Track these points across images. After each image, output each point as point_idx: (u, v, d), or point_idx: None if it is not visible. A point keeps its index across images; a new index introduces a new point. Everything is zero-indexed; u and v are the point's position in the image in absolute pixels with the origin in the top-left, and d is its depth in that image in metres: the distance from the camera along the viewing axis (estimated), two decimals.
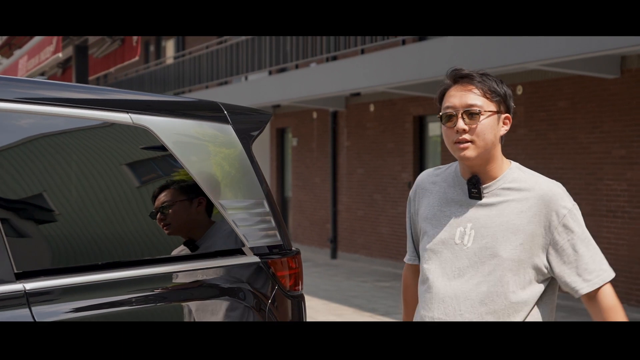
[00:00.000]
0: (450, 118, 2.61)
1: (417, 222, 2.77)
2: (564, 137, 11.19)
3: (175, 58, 21.17)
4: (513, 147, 12.00)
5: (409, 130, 14.54)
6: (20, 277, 2.27)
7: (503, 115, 2.68)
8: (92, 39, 7.53)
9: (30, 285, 2.27)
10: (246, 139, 2.99)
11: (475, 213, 2.63)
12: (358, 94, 14.88)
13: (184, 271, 2.66)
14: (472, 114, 2.59)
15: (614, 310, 2.64)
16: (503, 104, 2.68)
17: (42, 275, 2.32)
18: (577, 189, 11.00)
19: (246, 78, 17.11)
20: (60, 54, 7.18)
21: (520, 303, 2.59)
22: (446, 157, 13.57)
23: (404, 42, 12.28)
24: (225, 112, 2.98)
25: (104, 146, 2.60)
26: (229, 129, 2.92)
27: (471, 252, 2.60)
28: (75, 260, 2.45)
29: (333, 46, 13.49)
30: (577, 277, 2.64)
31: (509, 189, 2.63)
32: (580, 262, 2.64)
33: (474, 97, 2.61)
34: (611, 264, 10.07)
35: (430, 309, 2.61)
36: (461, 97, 2.62)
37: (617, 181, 10.41)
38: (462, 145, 2.58)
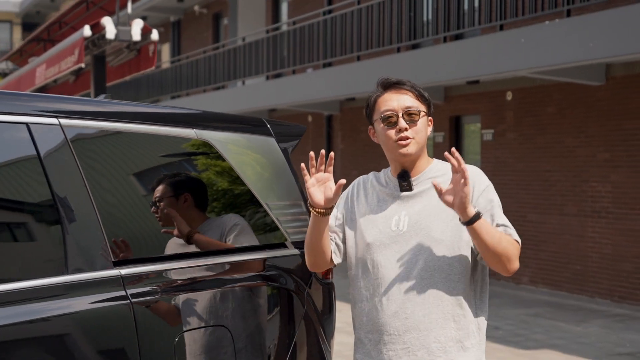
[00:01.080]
0: (389, 119, 2.82)
1: (350, 218, 2.91)
2: (551, 141, 11.71)
3: (171, 62, 21.61)
4: (502, 151, 12.53)
5: None
6: (117, 264, 2.77)
7: (429, 117, 2.90)
8: (109, 49, 7.99)
9: (124, 271, 2.78)
10: (286, 149, 3.50)
11: (407, 203, 2.84)
12: (353, 99, 15.36)
13: (243, 260, 3.18)
14: (411, 114, 2.81)
15: (508, 241, 2.74)
16: (429, 108, 2.90)
17: (132, 264, 2.83)
18: (563, 191, 11.53)
19: (243, 83, 17.55)
20: (82, 64, 7.64)
21: (457, 274, 2.76)
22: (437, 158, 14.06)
23: (399, 50, 12.76)
24: (269, 126, 3.49)
25: (176, 157, 3.12)
26: (272, 141, 3.43)
27: (407, 236, 2.79)
28: (156, 251, 2.97)
29: (330, 52, 13.98)
30: (501, 225, 2.78)
31: (434, 177, 2.84)
32: (496, 221, 2.79)
33: (409, 100, 2.83)
34: (596, 262, 10.85)
35: (379, 292, 2.78)
36: (398, 100, 2.83)
37: (602, 183, 10.92)
38: (404, 142, 2.80)
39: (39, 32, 12.22)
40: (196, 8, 21.97)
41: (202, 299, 3.01)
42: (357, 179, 3.01)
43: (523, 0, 10.31)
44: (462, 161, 2.62)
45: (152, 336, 2.79)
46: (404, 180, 2.85)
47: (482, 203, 2.78)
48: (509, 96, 12.35)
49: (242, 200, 3.28)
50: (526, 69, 10.25)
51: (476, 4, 11.08)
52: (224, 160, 3.21)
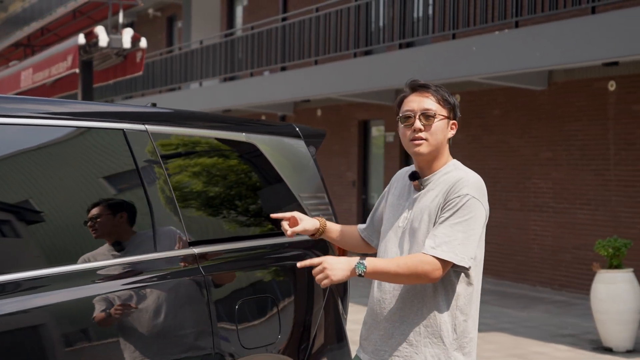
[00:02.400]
0: (408, 119, 2.98)
1: (384, 207, 3.20)
2: (497, 141, 12.60)
3: None
4: (451, 150, 13.34)
5: (354, 133, 15.80)
6: (192, 244, 3.43)
7: (451, 121, 3.04)
8: (98, 55, 8.50)
9: (197, 250, 3.44)
10: (312, 151, 4.20)
11: (414, 201, 3.02)
12: (308, 100, 16.05)
13: (281, 242, 3.87)
14: (427, 116, 2.96)
15: (421, 259, 2.85)
16: (452, 112, 3.04)
17: (204, 244, 3.49)
18: (508, 187, 12.43)
19: (200, 84, 18.09)
20: (77, 70, 8.15)
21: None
22: (388, 158, 14.88)
23: (355, 55, 13.49)
24: (298, 130, 4.18)
25: (232, 156, 3.81)
26: (302, 143, 4.13)
27: (404, 232, 3.01)
28: (222, 233, 3.65)
29: (288, 56, 14.66)
30: (428, 239, 2.91)
31: (438, 181, 2.99)
32: (434, 232, 2.89)
33: (429, 103, 2.98)
34: (538, 253, 11.92)
35: (375, 283, 3.05)
36: (419, 102, 2.99)
37: (544, 180, 11.85)
38: (417, 142, 2.96)
39: (20, 38, 12.58)
40: (150, 11, 22.38)
41: (253, 273, 3.70)
42: (399, 171, 3.26)
43: (474, 11, 11.15)
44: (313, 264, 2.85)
45: (219, 302, 3.45)
46: (413, 179, 3.06)
47: (445, 212, 2.91)
48: (458, 99, 13.21)
49: (280, 193, 3.97)
50: (477, 75, 11.09)
51: (430, 13, 11.89)
52: (265, 158, 3.89)
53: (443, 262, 2.85)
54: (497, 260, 12.59)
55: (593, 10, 9.63)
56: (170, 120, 3.57)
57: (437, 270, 2.85)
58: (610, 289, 8.27)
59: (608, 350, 8.26)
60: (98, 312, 2.98)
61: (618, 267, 8.36)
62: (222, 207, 3.70)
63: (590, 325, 9.37)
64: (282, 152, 4.01)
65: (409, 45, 13.17)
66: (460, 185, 2.92)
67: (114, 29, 8.44)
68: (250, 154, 3.85)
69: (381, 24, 12.90)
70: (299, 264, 2.86)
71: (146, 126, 3.41)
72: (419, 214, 2.98)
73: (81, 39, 8.06)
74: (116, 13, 8.58)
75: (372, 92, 13.69)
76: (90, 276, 3.01)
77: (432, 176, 3.01)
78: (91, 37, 8.16)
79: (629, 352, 8.19)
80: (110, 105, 3.57)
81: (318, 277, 2.80)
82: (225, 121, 3.95)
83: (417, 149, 2.98)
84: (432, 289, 2.94)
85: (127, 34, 8.28)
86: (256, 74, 16.13)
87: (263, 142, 3.88)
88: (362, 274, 2.82)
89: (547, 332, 9.21)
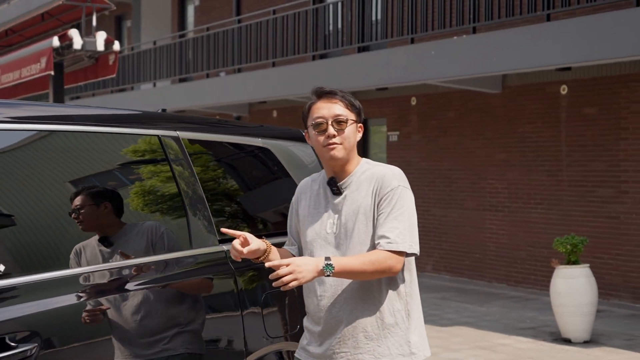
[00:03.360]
0: (320, 125, 3.07)
1: (297, 221, 3.23)
2: (453, 143, 12.99)
3: None
4: (407, 151, 13.75)
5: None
6: (221, 242, 3.65)
7: (358, 125, 3.15)
8: (70, 57, 8.57)
9: (226, 247, 3.65)
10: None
11: (338, 206, 3.09)
12: (264, 102, 16.24)
13: None
14: (339, 121, 3.06)
15: (379, 257, 2.96)
16: (359, 116, 3.15)
17: (231, 241, 3.71)
18: (464, 187, 12.84)
19: (154, 85, 18.14)
20: (52, 72, 8.22)
21: None
22: None
23: (314, 58, 13.75)
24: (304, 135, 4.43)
25: (250, 159, 4.05)
26: (308, 146, 4.38)
27: (338, 238, 3.07)
28: (246, 231, 3.87)
29: (245, 58, 14.84)
30: (376, 238, 3.03)
31: (358, 180, 3.10)
32: (383, 228, 3.01)
33: (339, 108, 3.08)
34: (493, 251, 12.40)
35: (317, 288, 3.08)
36: (329, 108, 3.07)
37: (499, 181, 12.27)
38: (332, 147, 3.05)
39: None
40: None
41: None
42: (301, 182, 3.33)
43: (432, 16, 11.50)
44: (279, 268, 2.83)
45: (247, 295, 3.69)
46: (333, 185, 3.12)
47: (383, 205, 3.03)
48: (414, 101, 13.57)
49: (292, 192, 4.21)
50: (435, 79, 11.45)
51: (389, 17, 12.21)
52: (278, 160, 4.14)
53: (400, 254, 2.97)
54: (454, 258, 12.99)
55: (548, 18, 10.06)
56: (198, 127, 3.79)
57: (399, 263, 2.98)
58: (569, 284, 8.70)
59: (567, 341, 8.69)
60: (159, 298, 3.27)
61: (575, 263, 8.79)
62: (243, 206, 3.93)
63: (547, 318, 9.81)
64: (291, 155, 4.26)
65: (366, 49, 13.48)
66: (389, 179, 3.05)
67: (88, 32, 8.55)
68: (266, 157, 4.10)
69: (339, 27, 13.18)
70: (267, 264, 2.86)
71: (177, 132, 3.62)
72: (352, 215, 3.06)
73: (55, 41, 8.16)
74: (89, 15, 8.68)
75: None
76: (159, 267, 3.32)
77: (350, 177, 3.11)
78: (65, 39, 8.26)
79: (586, 343, 8.63)
80: (148, 114, 3.79)
81: (285, 279, 2.81)
82: (244, 127, 4.19)
83: (332, 152, 3.06)
84: (379, 283, 3.04)
85: (101, 37, 8.40)
86: (212, 74, 16.26)
87: (276, 146, 4.13)
88: (330, 274, 2.90)
89: (507, 326, 9.60)
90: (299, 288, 3.28)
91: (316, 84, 13.60)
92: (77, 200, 3.13)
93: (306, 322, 3.21)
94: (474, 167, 12.63)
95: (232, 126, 4.16)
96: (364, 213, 3.04)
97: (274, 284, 2.85)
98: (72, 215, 3.11)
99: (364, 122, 12.35)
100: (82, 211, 3.14)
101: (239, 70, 15.57)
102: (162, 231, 3.41)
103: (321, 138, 3.08)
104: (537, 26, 10.08)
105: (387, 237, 2.98)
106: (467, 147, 12.74)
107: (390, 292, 3.07)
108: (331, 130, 3.06)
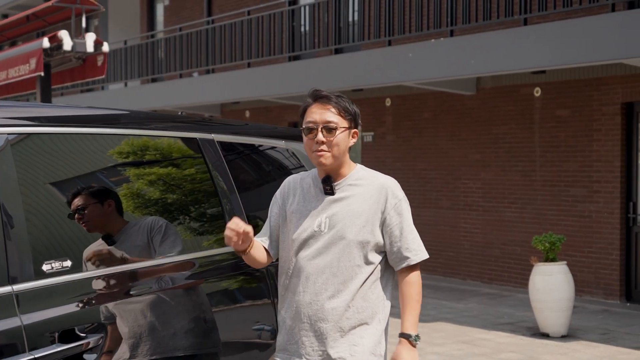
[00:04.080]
0: (311, 131, 3.07)
1: (279, 216, 3.24)
2: (427, 143, 13.24)
3: None
4: (382, 151, 13.97)
5: None
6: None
7: (353, 130, 3.14)
8: (57, 57, 8.60)
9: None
10: None
11: (329, 206, 3.11)
12: (237, 102, 16.35)
13: None
14: (329, 129, 3.05)
15: (415, 285, 3.18)
16: (353, 121, 3.13)
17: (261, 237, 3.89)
18: (438, 187, 13.10)
19: (126, 84, 18.13)
20: (42, 73, 8.27)
21: (365, 273, 3.12)
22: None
23: (290, 59, 13.89)
24: None
25: (277, 159, 4.23)
26: None
27: (327, 237, 3.08)
28: None
29: (219, 59, 14.93)
30: (399, 254, 3.15)
31: (354, 185, 3.13)
32: (403, 242, 3.14)
33: (331, 115, 3.07)
34: (467, 249, 12.72)
35: (298, 283, 3.13)
36: (321, 114, 3.07)
37: (473, 180, 12.55)
38: (320, 154, 3.06)
39: None
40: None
41: None
42: (288, 178, 3.33)
43: (410, 19, 11.73)
44: None
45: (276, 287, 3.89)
46: (327, 184, 3.13)
47: (393, 216, 3.13)
48: (388, 102, 13.79)
49: None
50: (413, 81, 11.68)
51: (365, 20, 12.41)
52: (298, 158, 4.32)
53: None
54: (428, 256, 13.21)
55: (525, 22, 10.35)
56: (231, 130, 3.96)
57: (419, 274, 3.19)
58: (547, 280, 8.99)
59: (545, 336, 8.98)
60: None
61: (553, 260, 9.08)
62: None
63: (524, 314, 10.10)
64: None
65: (341, 50, 13.67)
66: (394, 190, 3.16)
67: (77, 33, 8.60)
68: (290, 157, 4.27)
69: (316, 28, 13.34)
70: None
71: (212, 135, 3.78)
72: (346, 217, 3.10)
73: (46, 42, 8.21)
74: (79, 16, 8.74)
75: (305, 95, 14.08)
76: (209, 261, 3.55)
77: (345, 180, 3.15)
78: (54, 40, 8.32)
79: (564, 337, 8.92)
80: (187, 118, 3.96)
81: None
82: (270, 130, 4.36)
83: (320, 159, 3.09)
84: (367, 285, 3.14)
85: (90, 38, 8.47)
86: (185, 75, 16.33)
87: (297, 147, 4.30)
88: (418, 339, 3.15)
89: (486, 321, 9.87)
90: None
91: (292, 85, 13.80)
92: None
93: None
94: (449, 167, 12.88)
95: (260, 129, 4.34)
96: (360, 217, 3.09)
97: None
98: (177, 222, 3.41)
99: None
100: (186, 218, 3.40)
101: (213, 71, 15.65)
102: (161, 225, 3.41)
103: (311, 143, 3.10)
104: (514, 30, 10.36)
105: (413, 250, 3.15)
106: (441, 147, 13.00)
107: (386, 292, 3.25)
108: (320, 137, 3.06)
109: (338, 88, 12.91)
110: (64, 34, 8.25)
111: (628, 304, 10.73)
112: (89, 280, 3.03)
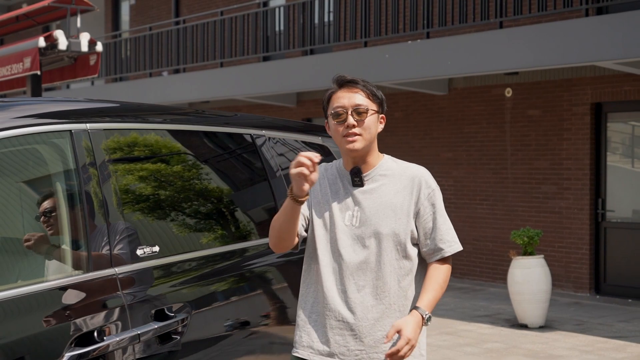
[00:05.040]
0: (340, 115, 2.96)
1: (312, 204, 3.03)
2: (399, 142, 13.56)
3: None
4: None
5: None
6: None
7: (380, 115, 3.08)
8: (50, 56, 8.67)
9: None
10: None
11: (359, 198, 2.97)
12: (207, 101, 16.49)
13: None
14: (360, 112, 2.96)
15: (444, 272, 3.04)
16: (380, 106, 3.07)
17: None
18: None
19: (92, 83, 18.12)
20: (39, 72, 8.34)
21: (403, 269, 2.98)
22: None
23: (264, 59, 14.10)
24: None
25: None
26: None
27: (359, 231, 2.94)
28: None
29: (191, 58, 15.07)
30: (434, 245, 3.02)
31: (384, 175, 3.02)
32: (438, 233, 3.01)
33: (360, 98, 2.98)
34: None
35: (329, 282, 2.96)
36: (349, 98, 2.97)
37: (445, 178, 12.90)
38: (351, 138, 2.93)
39: None
40: (24, 6, 21.99)
41: None
42: (319, 166, 3.02)
43: (385, 21, 12.04)
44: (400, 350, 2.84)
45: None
46: (356, 176, 3.00)
47: (427, 207, 3.02)
48: None
49: None
50: (388, 81, 11.98)
51: (341, 21, 12.69)
52: (331, 153, 4.58)
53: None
54: (462, 248, 13.52)
55: (501, 25, 10.73)
56: (281, 127, 4.21)
57: (450, 266, 3.07)
58: (525, 273, 9.37)
59: (524, 327, 9.36)
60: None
61: (531, 254, 9.48)
62: None
63: (499, 306, 10.49)
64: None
65: (315, 51, 13.92)
66: (427, 179, 3.07)
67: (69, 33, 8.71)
68: (326, 153, 4.52)
69: (291, 29, 13.57)
70: (388, 356, 2.85)
71: (263, 131, 4.03)
72: (381, 209, 2.96)
73: (41, 41, 8.30)
74: (73, 16, 8.84)
75: (277, 95, 14.33)
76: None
77: (374, 170, 3.03)
78: (50, 39, 8.40)
79: (542, 328, 9.32)
80: (245, 116, 4.22)
81: (405, 351, 2.85)
82: (310, 126, 4.61)
83: (351, 145, 2.95)
84: (405, 282, 3.00)
85: (85, 38, 8.57)
86: (155, 74, 16.42)
87: (332, 144, 4.56)
88: (429, 321, 2.98)
89: (464, 314, 10.23)
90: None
91: (264, 85, 13.92)
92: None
93: None
94: (421, 166, 13.16)
95: (303, 126, 4.59)
96: (394, 209, 2.97)
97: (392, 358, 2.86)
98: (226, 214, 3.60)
99: (309, 121, 12.63)
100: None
101: (184, 70, 15.77)
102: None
103: (340, 128, 2.97)
104: (490, 32, 10.74)
105: (447, 241, 3.02)
106: (413, 146, 13.33)
107: (417, 286, 3.11)
108: (351, 120, 2.94)
109: (312, 88, 13.17)
110: (59, 34, 8.35)
111: (597, 297, 11.20)
112: (174, 264, 3.25)
